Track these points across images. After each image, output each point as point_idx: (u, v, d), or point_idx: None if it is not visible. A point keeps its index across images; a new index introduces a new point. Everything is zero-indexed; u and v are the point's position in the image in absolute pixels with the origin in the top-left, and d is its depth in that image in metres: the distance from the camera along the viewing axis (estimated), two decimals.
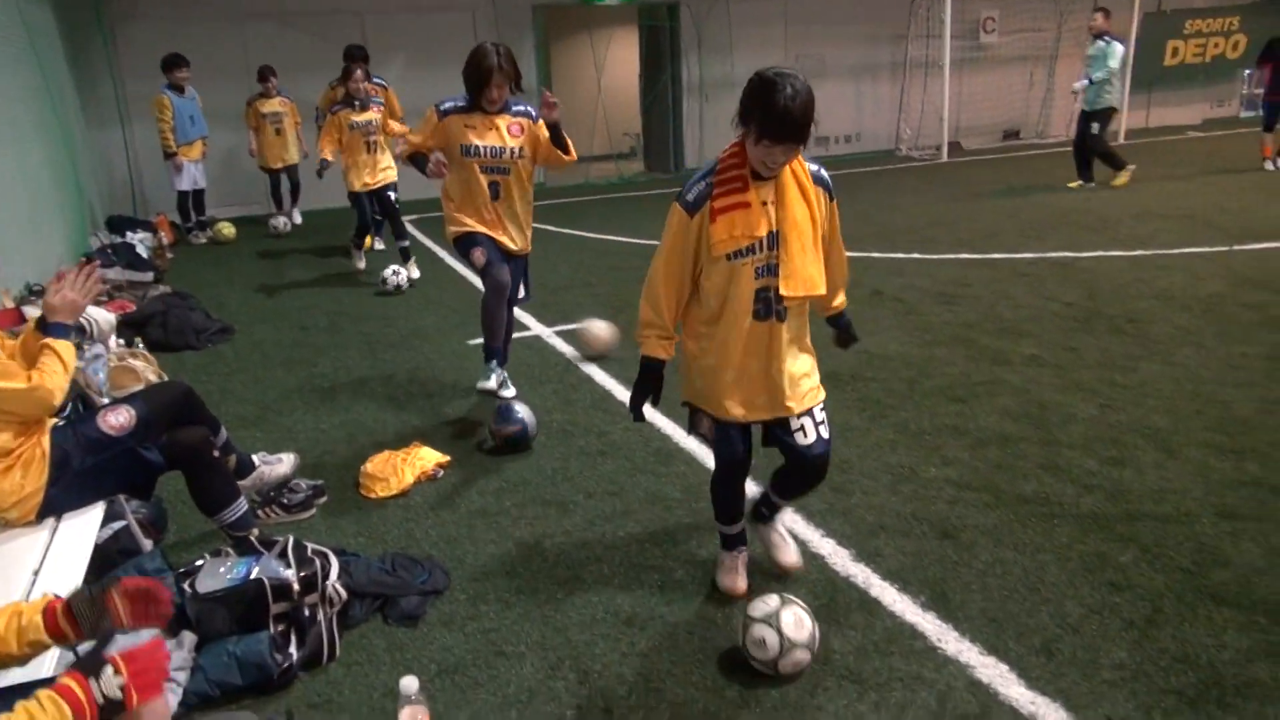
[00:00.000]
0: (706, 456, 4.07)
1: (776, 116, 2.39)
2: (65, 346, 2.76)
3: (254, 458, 3.73)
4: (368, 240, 8.46)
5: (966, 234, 8.61)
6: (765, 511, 3.14)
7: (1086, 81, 10.33)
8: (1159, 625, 2.72)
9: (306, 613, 2.70)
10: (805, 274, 2.63)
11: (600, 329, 5.33)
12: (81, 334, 4.78)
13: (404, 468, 3.92)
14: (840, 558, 3.19)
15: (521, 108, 4.35)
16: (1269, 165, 11.01)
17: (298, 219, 10.95)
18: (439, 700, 2.57)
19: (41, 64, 8.05)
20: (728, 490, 2.96)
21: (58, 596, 1.80)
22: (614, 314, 6.33)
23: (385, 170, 7.80)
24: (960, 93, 14.93)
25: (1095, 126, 10.50)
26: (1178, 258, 7.14)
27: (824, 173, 2.71)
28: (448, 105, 4.30)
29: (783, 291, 2.63)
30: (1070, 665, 2.58)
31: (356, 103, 7.56)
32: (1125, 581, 2.95)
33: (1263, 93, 11.31)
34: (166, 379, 4.84)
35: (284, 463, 3.81)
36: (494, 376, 4.52)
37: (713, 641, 2.78)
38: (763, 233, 2.59)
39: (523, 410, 4.23)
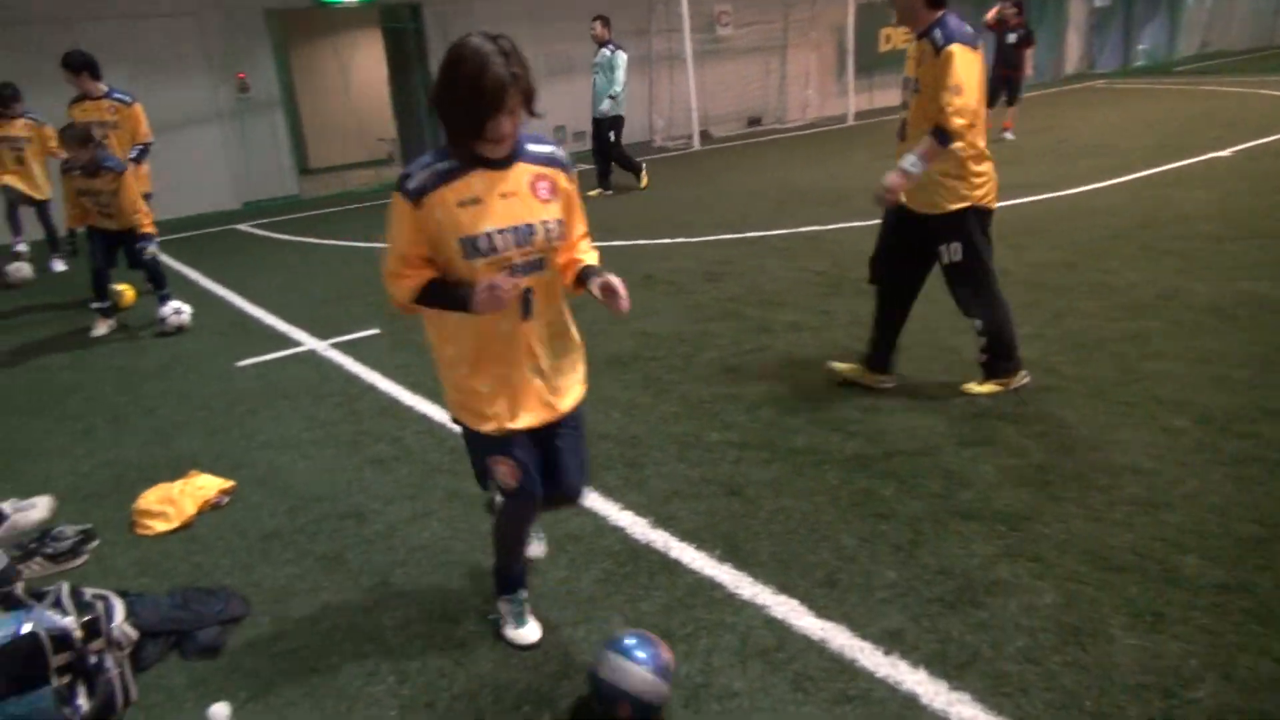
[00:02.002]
0: None
1: None
2: None
3: (2, 506, 3.41)
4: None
5: (724, 216, 9.10)
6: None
7: (610, 100, 10.56)
8: (920, 545, 3.08)
9: (93, 660, 2.52)
10: None
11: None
12: None
13: (183, 499, 3.70)
14: (639, 527, 3.35)
15: (544, 148, 2.42)
16: (1008, 135, 12.32)
17: (60, 267, 9.17)
18: None
19: None
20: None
21: None
22: (390, 320, 6.24)
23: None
24: (705, 84, 15.66)
25: (613, 135, 10.84)
26: None
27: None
28: (418, 180, 2.27)
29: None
30: (850, 591, 2.86)
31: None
32: (889, 511, 3.30)
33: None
34: None
35: (39, 507, 3.51)
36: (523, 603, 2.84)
37: None
38: None
39: (640, 671, 2.36)
